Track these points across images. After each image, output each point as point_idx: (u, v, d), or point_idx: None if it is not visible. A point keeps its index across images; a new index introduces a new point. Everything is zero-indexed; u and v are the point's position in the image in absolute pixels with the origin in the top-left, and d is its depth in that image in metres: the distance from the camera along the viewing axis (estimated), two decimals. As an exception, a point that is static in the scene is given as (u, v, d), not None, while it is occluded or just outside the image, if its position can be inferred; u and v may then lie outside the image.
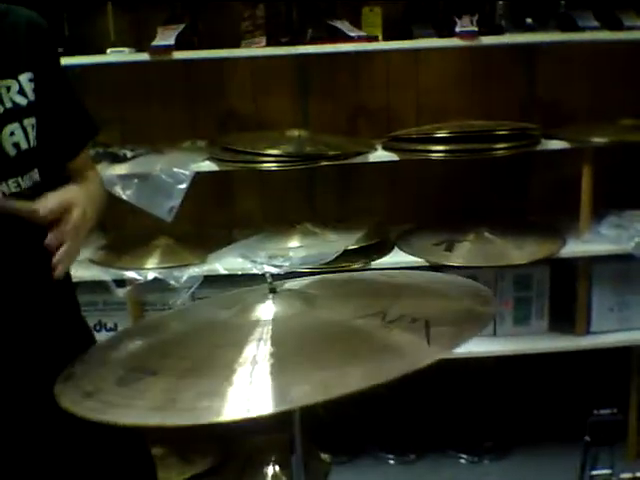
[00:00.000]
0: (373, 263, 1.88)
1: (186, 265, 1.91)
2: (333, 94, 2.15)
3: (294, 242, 1.96)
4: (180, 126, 2.16)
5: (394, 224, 2.13)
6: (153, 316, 1.12)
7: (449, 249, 1.93)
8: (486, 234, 1.99)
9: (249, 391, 0.70)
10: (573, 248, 1.92)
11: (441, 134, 1.88)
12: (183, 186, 1.83)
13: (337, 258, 1.83)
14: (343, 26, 1.89)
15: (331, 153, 1.87)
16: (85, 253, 1.91)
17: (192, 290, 1.87)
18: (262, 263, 1.86)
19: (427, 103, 2.15)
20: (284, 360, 0.75)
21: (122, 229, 2.19)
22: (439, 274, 1.04)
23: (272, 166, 1.86)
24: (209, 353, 0.80)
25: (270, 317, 0.85)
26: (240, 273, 1.87)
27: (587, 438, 1.63)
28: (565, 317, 2.02)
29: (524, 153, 1.90)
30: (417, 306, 0.83)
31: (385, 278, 0.99)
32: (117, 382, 0.76)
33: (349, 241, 1.91)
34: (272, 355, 0.76)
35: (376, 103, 2.16)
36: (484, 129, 1.87)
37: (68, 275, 1.11)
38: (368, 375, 0.67)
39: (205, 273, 1.89)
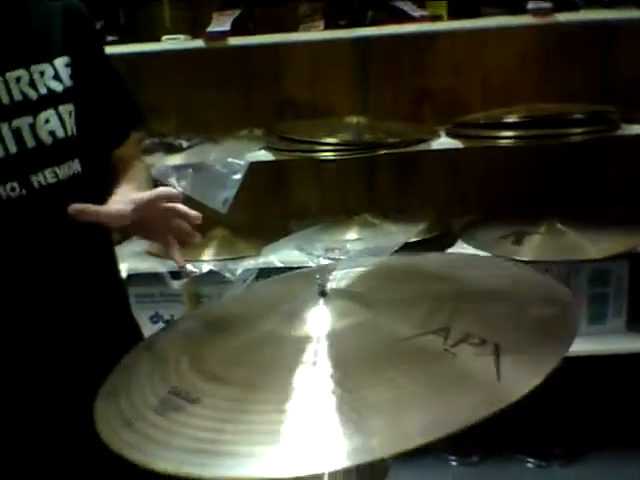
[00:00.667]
0: (435, 257, 1.79)
1: (241, 257, 1.86)
2: (394, 79, 2.05)
3: (352, 234, 1.89)
4: (236, 114, 2.11)
5: (457, 216, 2.03)
6: (202, 309, 1.05)
7: (517, 242, 1.81)
8: (559, 226, 1.86)
9: (315, 435, 0.61)
10: (655, 242, 1.77)
11: (510, 119, 1.76)
12: (238, 176, 1.77)
13: (396, 251, 1.74)
14: (405, 6, 1.79)
15: (390, 141, 1.77)
16: (141, 245, 1.89)
17: (247, 283, 1.83)
18: (318, 256, 1.79)
19: (494, 87, 2.02)
20: (351, 392, 0.65)
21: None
22: (509, 265, 0.93)
23: (329, 155, 1.79)
24: (257, 376, 0.72)
25: (323, 331, 0.77)
26: (296, 266, 1.81)
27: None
28: (645, 316, 1.87)
29: (602, 139, 1.76)
30: (484, 318, 0.74)
31: (448, 270, 0.89)
32: (156, 408, 0.70)
33: (409, 234, 1.81)
34: (337, 384, 0.67)
35: (440, 87, 2.05)
36: (557, 113, 1.74)
37: (116, 270, 1.07)
38: (450, 418, 0.58)
39: (260, 266, 1.84)
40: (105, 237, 1.01)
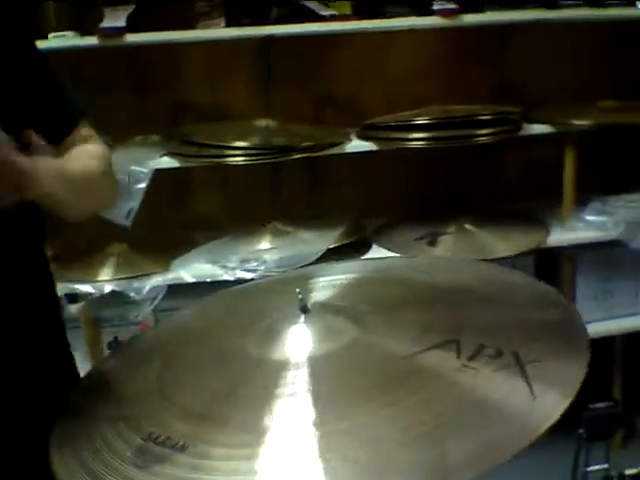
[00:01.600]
0: (354, 262, 1.74)
1: (147, 275, 1.71)
2: (298, 81, 1.98)
3: (265, 244, 1.80)
4: (128, 119, 1.94)
5: (368, 218, 1.99)
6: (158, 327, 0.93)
7: (432, 244, 1.81)
8: (467, 226, 1.88)
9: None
10: (558, 236, 1.84)
11: (420, 121, 1.75)
12: (142, 185, 1.63)
13: (318, 259, 1.67)
14: (312, 5, 1.73)
15: (304, 144, 1.71)
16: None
17: (156, 302, 1.68)
18: (234, 268, 1.69)
19: (398, 89, 2.01)
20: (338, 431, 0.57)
21: (64, 236, 1.95)
22: (477, 265, 0.89)
23: (240, 160, 1.69)
24: (234, 413, 0.63)
25: (306, 354, 0.68)
26: (209, 280, 1.69)
27: (581, 432, 1.55)
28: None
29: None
30: (489, 326, 0.69)
31: (424, 275, 0.83)
32: (133, 461, 0.58)
33: (327, 240, 1.75)
34: (318, 421, 0.59)
35: (344, 90, 2.01)
36: (466, 114, 1.76)
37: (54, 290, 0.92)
38: (478, 457, 0.51)
39: (169, 282, 1.70)
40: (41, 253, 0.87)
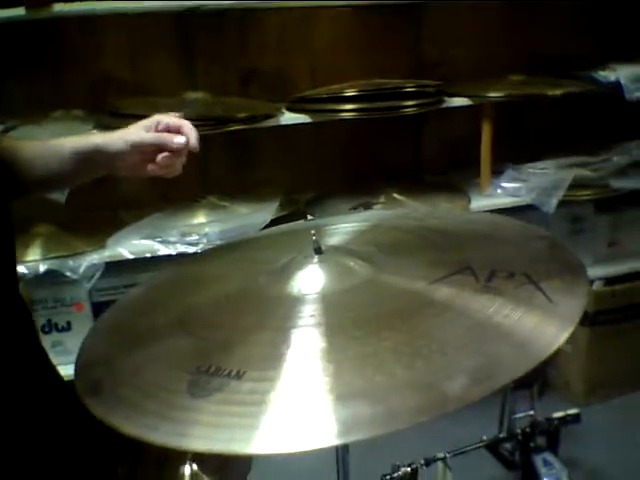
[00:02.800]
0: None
1: (81, 253, 1.65)
2: (223, 55, 1.97)
3: (202, 218, 1.78)
4: (47, 94, 1.85)
5: (298, 192, 2.03)
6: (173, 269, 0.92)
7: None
8: (395, 195, 1.96)
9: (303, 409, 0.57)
10: (478, 203, 1.96)
11: (351, 93, 1.80)
12: (75, 160, 1.56)
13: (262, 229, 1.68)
14: (241, -23, 1.73)
15: (241, 116, 1.71)
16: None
17: (93, 281, 1.63)
18: (175, 242, 1.66)
19: (322, 64, 2.05)
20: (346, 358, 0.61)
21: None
22: (463, 214, 0.96)
23: (174, 133, 1.66)
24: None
25: (321, 292, 0.71)
26: (149, 256, 1.66)
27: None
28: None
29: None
30: (495, 255, 0.75)
31: (421, 223, 0.88)
32: (192, 392, 0.59)
33: (264, 213, 1.77)
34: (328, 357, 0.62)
35: (269, 65, 2.02)
36: (393, 87, 1.83)
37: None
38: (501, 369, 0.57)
39: (107, 259, 1.65)
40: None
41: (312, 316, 0.68)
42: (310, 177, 2.09)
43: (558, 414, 1.71)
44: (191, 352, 0.65)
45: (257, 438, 0.54)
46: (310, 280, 0.73)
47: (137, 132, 0.89)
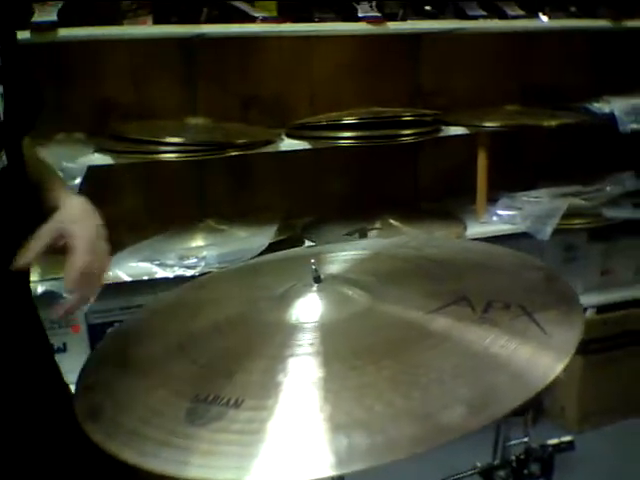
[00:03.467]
0: (291, 257, 1.79)
1: (79, 274, 1.66)
2: (224, 81, 2.00)
3: (200, 241, 1.80)
4: (50, 116, 1.86)
5: (294, 218, 2.05)
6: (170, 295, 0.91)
7: (363, 237, 1.89)
8: (392, 221, 1.99)
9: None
10: (474, 230, 1.98)
11: (350, 120, 1.83)
12: (77, 182, 1.58)
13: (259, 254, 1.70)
14: (243, 6, 1.77)
15: (240, 141, 1.73)
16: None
17: (90, 303, 1.63)
18: (172, 265, 1.68)
19: (321, 92, 2.09)
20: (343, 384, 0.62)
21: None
22: (458, 241, 0.97)
23: (174, 156, 1.68)
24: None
25: (319, 321, 0.73)
26: (147, 278, 1.67)
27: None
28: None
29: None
30: (491, 286, 0.76)
31: (415, 251, 0.89)
32: (191, 421, 0.60)
33: (262, 237, 1.78)
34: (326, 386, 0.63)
35: (269, 91, 2.05)
36: (391, 115, 1.86)
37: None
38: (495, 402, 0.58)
39: (105, 282, 1.65)
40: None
41: (311, 344, 0.69)
42: (308, 202, 2.12)
43: (552, 441, 1.71)
44: (190, 379, 0.67)
45: (254, 467, 0.55)
46: (309, 308, 0.75)
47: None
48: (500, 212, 2.02)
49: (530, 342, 0.65)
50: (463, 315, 0.70)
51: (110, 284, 1.66)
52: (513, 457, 1.73)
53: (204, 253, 1.69)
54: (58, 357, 1.68)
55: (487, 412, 0.56)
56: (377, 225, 1.96)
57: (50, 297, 1.62)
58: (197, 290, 0.91)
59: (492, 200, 2.04)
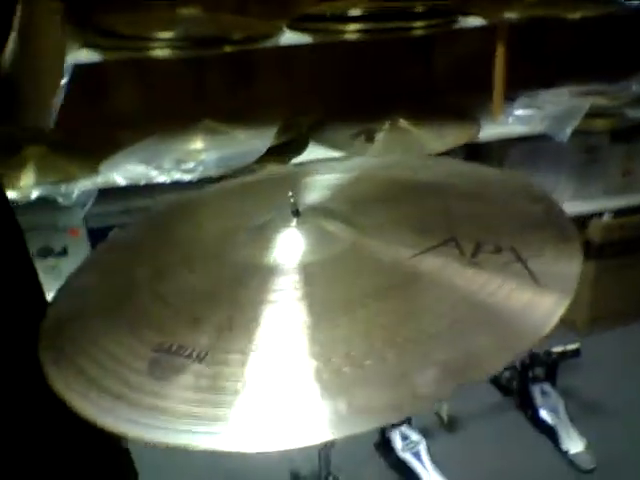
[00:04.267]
0: (292, 161, 1.71)
1: (73, 179, 1.61)
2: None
3: (198, 143, 1.72)
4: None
5: (299, 116, 1.94)
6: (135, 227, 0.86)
7: (370, 140, 1.80)
8: (401, 122, 1.88)
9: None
10: (489, 131, 1.88)
11: (356, 12, 1.69)
12: (63, 81, 1.49)
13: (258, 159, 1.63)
14: None
15: (236, 36, 1.61)
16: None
17: (87, 208, 1.60)
18: (170, 169, 1.62)
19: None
20: (333, 340, 0.57)
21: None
22: (457, 163, 0.89)
23: (166, 53, 1.58)
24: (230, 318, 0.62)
25: (297, 262, 0.67)
26: (144, 183, 1.62)
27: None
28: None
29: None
30: (481, 222, 0.69)
31: (409, 173, 0.82)
32: (152, 373, 0.56)
33: (263, 139, 1.70)
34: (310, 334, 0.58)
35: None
36: (401, 6, 1.71)
37: None
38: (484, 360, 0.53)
39: (100, 186, 1.61)
40: None
41: (282, 290, 0.64)
42: (313, 101, 2.00)
43: (557, 349, 1.71)
44: (156, 323, 0.62)
45: (222, 432, 0.51)
46: (286, 248, 0.69)
47: None
48: (517, 112, 1.90)
49: (522, 293, 0.59)
50: (452, 258, 0.64)
51: (107, 188, 1.62)
52: (517, 361, 1.74)
53: (202, 157, 1.62)
54: (59, 261, 1.70)
55: (465, 375, 0.52)
56: (385, 126, 1.86)
57: (46, 201, 1.58)
58: (173, 214, 0.85)
59: (509, 99, 1.92)
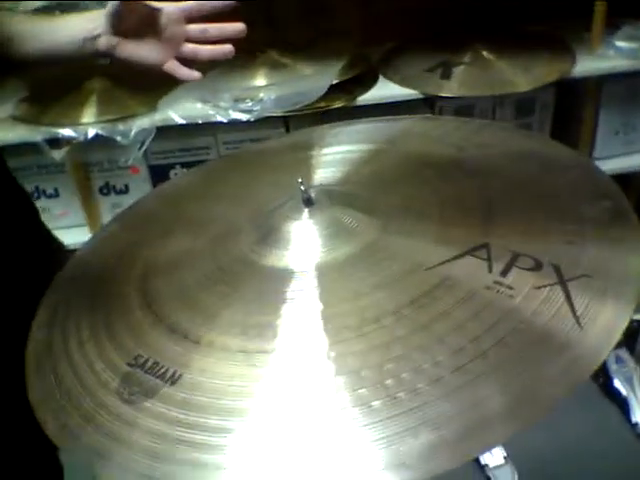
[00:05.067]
0: (359, 99, 1.59)
1: (132, 116, 1.57)
2: None
3: (261, 79, 1.62)
4: None
5: (371, 46, 1.79)
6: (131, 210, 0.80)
7: (445, 76, 1.64)
8: (484, 53, 1.69)
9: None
10: (584, 66, 1.66)
11: None
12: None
13: (320, 98, 1.52)
14: None
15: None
16: (4, 109, 1.54)
17: (145, 146, 1.56)
18: (227, 108, 1.54)
19: None
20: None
21: (39, 74, 1.77)
22: (518, 138, 0.76)
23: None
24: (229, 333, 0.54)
25: (311, 263, 0.59)
26: (201, 122, 1.55)
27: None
28: (568, 144, 1.80)
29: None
30: (525, 229, 0.58)
31: (451, 151, 0.70)
32: (120, 393, 0.51)
33: (328, 75, 1.58)
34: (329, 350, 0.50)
35: None
36: None
37: None
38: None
39: (157, 124, 1.56)
40: None
41: (292, 300, 0.56)
42: (387, 32, 1.83)
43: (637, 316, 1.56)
44: (137, 330, 0.57)
45: None
46: (296, 247, 0.61)
47: None
48: (619, 43, 1.66)
49: (553, 335, 0.48)
50: (474, 274, 0.53)
51: (163, 127, 1.57)
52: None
53: (261, 95, 1.53)
54: (121, 198, 1.69)
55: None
56: (466, 59, 1.68)
57: (105, 138, 1.56)
58: (187, 190, 0.78)
59: (611, 28, 1.68)
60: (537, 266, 0.53)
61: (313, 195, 0.62)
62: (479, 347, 0.47)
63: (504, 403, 0.44)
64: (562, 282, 0.51)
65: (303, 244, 0.60)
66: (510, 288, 0.51)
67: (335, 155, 0.72)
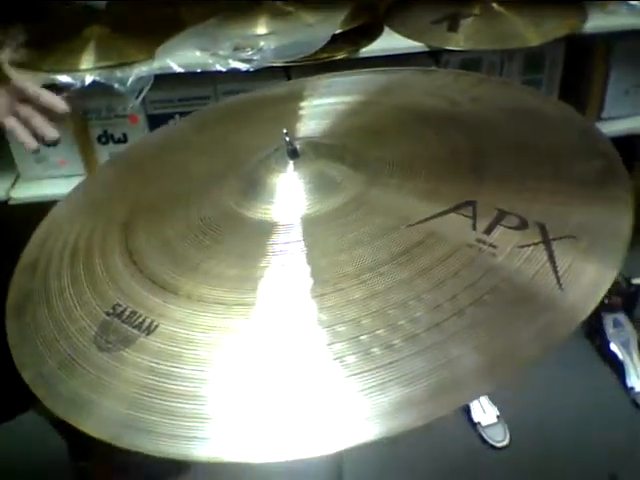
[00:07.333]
0: (362, 51, 1.55)
1: (130, 63, 1.54)
2: None
3: (261, 28, 1.58)
4: None
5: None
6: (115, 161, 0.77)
7: (452, 28, 1.59)
8: (494, 5, 1.64)
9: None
10: (595, 22, 1.61)
11: None
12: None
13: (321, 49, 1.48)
14: None
15: None
16: (3, 56, 1.51)
17: (143, 94, 1.53)
18: (226, 57, 1.50)
19: None
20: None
21: (39, 19, 1.73)
22: (516, 93, 0.74)
23: None
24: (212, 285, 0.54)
25: (297, 217, 0.58)
26: (199, 70, 1.52)
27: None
28: (576, 102, 1.77)
29: None
30: (513, 187, 0.56)
31: (445, 104, 0.68)
32: (97, 341, 0.51)
33: (331, 24, 1.54)
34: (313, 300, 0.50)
35: None
36: None
37: None
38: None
39: (155, 72, 1.52)
40: None
41: (273, 253, 0.55)
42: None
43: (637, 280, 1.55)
44: (117, 278, 0.56)
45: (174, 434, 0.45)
46: (281, 200, 0.59)
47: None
48: (632, 1, 1.61)
49: (533, 295, 0.47)
50: (458, 232, 0.52)
51: (164, 75, 1.54)
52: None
53: (261, 44, 1.49)
54: (119, 147, 1.68)
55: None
56: (475, 10, 1.64)
57: (103, 86, 1.53)
58: (171, 142, 0.77)
59: (626, -18, 1.62)
60: (522, 225, 0.52)
61: (299, 147, 0.61)
62: (457, 305, 0.46)
63: (478, 362, 0.43)
64: (546, 241, 0.50)
65: (287, 197, 0.59)
66: (493, 246, 0.50)
67: (326, 107, 0.70)
